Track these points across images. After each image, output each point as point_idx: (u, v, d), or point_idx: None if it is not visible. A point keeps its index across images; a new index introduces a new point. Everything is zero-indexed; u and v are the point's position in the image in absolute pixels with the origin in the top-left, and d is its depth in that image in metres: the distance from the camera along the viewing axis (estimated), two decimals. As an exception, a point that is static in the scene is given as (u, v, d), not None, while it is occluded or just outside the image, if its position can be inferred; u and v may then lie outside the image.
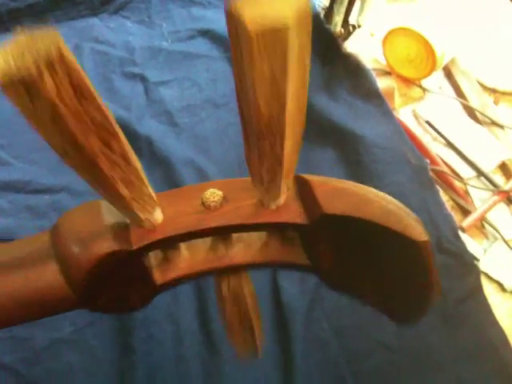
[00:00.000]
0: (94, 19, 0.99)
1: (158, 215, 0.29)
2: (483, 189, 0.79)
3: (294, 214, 0.29)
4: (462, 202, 0.77)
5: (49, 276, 0.29)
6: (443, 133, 0.85)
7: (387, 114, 0.82)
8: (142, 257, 0.30)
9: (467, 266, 0.67)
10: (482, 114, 0.87)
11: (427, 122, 0.87)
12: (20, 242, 0.32)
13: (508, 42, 1.00)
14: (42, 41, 0.16)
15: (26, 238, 0.32)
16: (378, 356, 0.60)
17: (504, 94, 0.93)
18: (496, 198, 0.77)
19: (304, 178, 0.30)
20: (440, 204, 0.73)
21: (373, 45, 0.96)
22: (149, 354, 0.60)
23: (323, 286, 0.34)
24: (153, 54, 0.93)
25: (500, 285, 0.69)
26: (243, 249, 0.34)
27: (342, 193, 0.28)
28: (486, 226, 0.75)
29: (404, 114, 0.89)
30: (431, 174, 0.77)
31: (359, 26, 0.92)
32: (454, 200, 0.78)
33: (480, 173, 0.81)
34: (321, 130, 0.80)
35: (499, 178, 0.81)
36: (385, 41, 0.92)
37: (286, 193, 0.28)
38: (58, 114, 0.18)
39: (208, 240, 0.34)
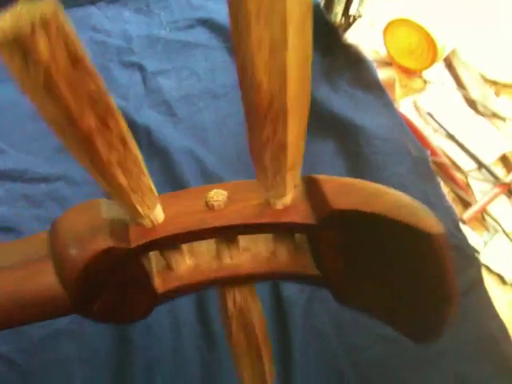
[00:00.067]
0: (92, 8, 0.98)
1: (159, 214, 0.28)
2: (484, 181, 0.78)
3: (302, 214, 0.28)
4: (462, 194, 0.76)
5: (43, 276, 0.28)
6: (444, 124, 0.84)
7: (388, 105, 0.81)
8: (141, 257, 0.29)
9: (468, 258, 0.66)
10: (483, 105, 0.87)
11: (428, 114, 0.86)
12: (18, 241, 0.31)
13: (509, 34, 0.99)
14: (40, 5, 0.16)
15: (24, 237, 0.31)
16: (378, 348, 0.59)
17: (505, 86, 0.92)
18: (497, 190, 0.77)
19: (311, 177, 0.28)
20: (441, 196, 0.72)
21: (373, 35, 0.95)
22: (147, 345, 0.59)
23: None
24: (151, 43, 0.92)
25: (500, 277, 0.69)
26: (249, 258, 0.32)
27: (350, 188, 0.27)
28: (487, 218, 0.75)
29: (405, 105, 0.88)
30: (432, 165, 0.76)
31: (360, 17, 0.91)
32: (454, 192, 0.77)
33: (481, 165, 0.80)
34: (321, 122, 0.79)
35: (500, 171, 0.80)
36: (385, 31, 0.91)
37: (292, 191, 0.27)
38: (52, 79, 0.17)
39: (212, 248, 0.33)
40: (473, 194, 0.77)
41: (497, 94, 0.91)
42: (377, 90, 0.82)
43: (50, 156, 0.75)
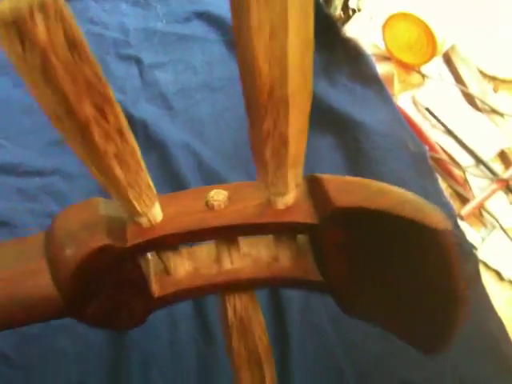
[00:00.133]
0: (90, 1, 0.97)
1: (157, 213, 0.27)
2: (482, 177, 0.78)
3: (304, 214, 0.27)
4: (460, 190, 0.76)
5: (37, 277, 0.27)
6: (442, 120, 0.84)
7: (387, 100, 0.80)
8: (138, 258, 0.29)
9: (466, 254, 0.66)
10: (481, 101, 0.86)
11: (426, 109, 0.85)
12: (14, 241, 0.31)
13: (508, 30, 0.98)
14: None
15: (21, 237, 0.30)
16: (376, 345, 0.59)
17: (504, 81, 0.92)
18: (495, 186, 0.76)
19: (313, 176, 0.28)
20: (439, 192, 0.72)
21: (372, 30, 0.94)
22: (143, 338, 0.59)
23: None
24: (148, 36, 0.91)
25: (498, 274, 0.68)
26: (250, 263, 0.32)
27: (353, 185, 0.27)
28: (485, 214, 0.74)
29: (403, 100, 0.87)
30: (430, 161, 0.75)
31: (359, 10, 0.90)
32: (452, 188, 0.77)
33: (479, 161, 0.80)
34: (319, 117, 0.78)
35: (498, 167, 0.80)
36: (385, 26, 0.90)
37: (294, 189, 0.27)
38: (49, 64, 0.17)
39: (213, 253, 0.32)
40: (471, 190, 0.77)
41: (495, 89, 0.91)
42: (376, 85, 0.82)
43: (44, 150, 0.74)
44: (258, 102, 0.21)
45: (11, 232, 0.66)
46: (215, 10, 0.94)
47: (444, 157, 0.80)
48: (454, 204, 0.74)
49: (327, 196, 0.26)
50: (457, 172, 0.78)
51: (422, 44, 0.87)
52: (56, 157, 0.73)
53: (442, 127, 0.84)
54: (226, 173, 0.73)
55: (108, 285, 0.28)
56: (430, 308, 0.27)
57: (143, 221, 0.27)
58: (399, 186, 0.27)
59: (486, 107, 0.86)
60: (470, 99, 0.88)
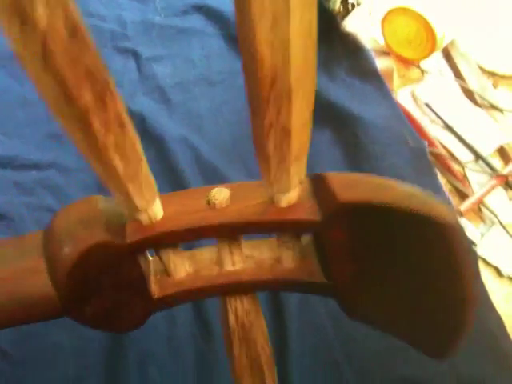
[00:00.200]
0: (87, -7, 0.96)
1: (158, 210, 0.27)
2: (481, 172, 0.78)
3: (308, 211, 0.26)
4: (459, 186, 0.76)
5: (34, 276, 0.27)
6: (442, 115, 0.83)
7: (386, 95, 0.80)
8: (137, 257, 0.28)
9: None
10: (481, 96, 0.86)
11: (426, 104, 0.85)
12: (13, 239, 0.30)
13: (508, 26, 0.98)
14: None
15: (21, 235, 0.30)
16: (374, 340, 0.59)
17: (503, 77, 0.92)
18: (494, 182, 0.76)
19: (317, 174, 0.27)
20: (438, 187, 0.72)
21: (372, 24, 0.93)
22: (141, 333, 0.58)
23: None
24: (145, 29, 0.91)
25: (497, 270, 0.68)
26: (252, 265, 0.31)
27: (358, 181, 0.26)
28: (484, 210, 0.74)
29: (402, 95, 0.87)
30: (429, 156, 0.75)
31: (358, 5, 0.90)
32: (451, 183, 0.76)
33: (478, 156, 0.79)
34: (318, 111, 0.76)
35: (497, 162, 0.80)
36: (384, 20, 0.90)
37: (297, 187, 0.26)
38: (49, 49, 0.17)
39: (214, 255, 0.31)
40: (470, 185, 0.77)
41: (495, 85, 0.90)
42: (375, 80, 0.81)
43: (41, 143, 0.74)
44: (261, 92, 0.21)
45: (8, 225, 0.65)
46: (214, 3, 0.93)
47: (443, 152, 0.79)
48: (453, 200, 0.73)
49: (331, 192, 0.25)
50: (456, 168, 0.78)
51: (422, 39, 0.87)
52: (53, 150, 0.72)
53: (442, 122, 0.83)
54: (224, 167, 0.73)
55: (106, 284, 0.28)
56: (437, 309, 0.26)
57: (143, 217, 0.26)
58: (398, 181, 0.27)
59: (486, 103, 0.85)
60: (469, 95, 0.88)
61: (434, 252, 0.25)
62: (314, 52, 0.20)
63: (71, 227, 0.26)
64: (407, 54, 0.90)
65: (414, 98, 0.87)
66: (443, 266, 0.25)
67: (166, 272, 0.31)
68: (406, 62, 0.91)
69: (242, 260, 0.31)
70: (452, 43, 0.92)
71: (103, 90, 0.19)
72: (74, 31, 0.17)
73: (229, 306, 0.32)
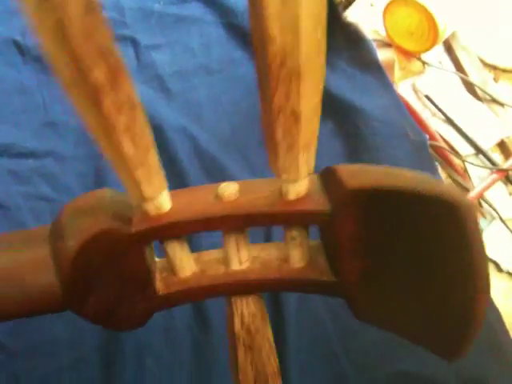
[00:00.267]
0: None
1: (165, 201, 0.26)
2: (481, 167, 0.77)
3: (317, 203, 0.26)
4: (459, 180, 0.75)
5: (39, 267, 0.26)
6: (442, 108, 0.83)
7: (387, 86, 0.79)
8: (143, 248, 0.28)
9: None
10: (482, 90, 0.85)
11: (426, 97, 0.84)
12: (22, 231, 0.30)
13: (509, 19, 0.97)
14: None
15: (30, 228, 0.30)
16: (372, 333, 0.59)
17: (504, 71, 0.91)
18: (494, 176, 0.76)
19: (327, 167, 0.27)
20: (438, 181, 0.71)
21: (373, 15, 0.92)
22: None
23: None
24: (144, 17, 0.89)
25: (496, 265, 0.68)
26: (259, 265, 0.31)
27: (367, 169, 0.26)
28: (484, 204, 0.74)
29: (403, 87, 0.86)
30: (430, 149, 0.75)
31: (360, -5, 0.89)
32: (451, 177, 0.76)
33: (479, 150, 0.79)
34: (318, 102, 0.77)
35: (498, 157, 0.79)
36: (385, 11, 0.89)
37: (306, 179, 0.26)
38: (65, 24, 0.17)
39: (221, 255, 0.31)
40: (470, 179, 0.76)
41: (496, 79, 0.90)
42: (376, 71, 0.80)
43: (37, 131, 0.72)
44: (270, 72, 0.21)
45: (4, 215, 0.64)
46: (214, -9, 0.92)
47: (444, 145, 0.79)
48: (453, 193, 0.73)
49: (340, 181, 0.25)
50: (456, 161, 0.78)
51: (424, 30, 0.86)
52: (49, 139, 0.71)
53: (442, 116, 0.83)
54: (222, 157, 0.72)
55: (110, 277, 0.27)
56: (448, 302, 0.25)
57: (150, 207, 0.26)
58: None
59: (487, 96, 0.85)
60: (470, 88, 0.87)
61: (446, 236, 0.24)
62: (323, 35, 0.21)
63: (78, 217, 0.26)
64: (408, 45, 0.89)
65: (415, 91, 0.86)
66: (456, 251, 0.24)
67: (171, 271, 0.30)
68: (407, 54, 0.90)
69: (249, 260, 0.31)
70: (453, 35, 0.92)
71: (115, 69, 0.19)
72: (89, 7, 0.17)
73: (234, 309, 0.31)
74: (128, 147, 0.22)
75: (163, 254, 0.30)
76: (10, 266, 0.27)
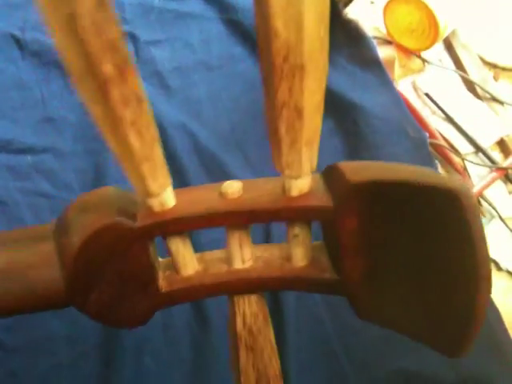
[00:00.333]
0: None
1: (170, 197, 0.27)
2: (481, 165, 0.77)
3: (319, 199, 0.27)
4: (459, 178, 0.75)
5: (43, 263, 0.27)
6: (442, 106, 0.83)
7: (387, 84, 0.79)
8: (146, 244, 0.28)
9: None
10: (482, 88, 0.85)
11: (426, 95, 0.84)
12: (28, 228, 0.30)
13: (509, 18, 0.97)
14: None
15: (35, 225, 0.30)
16: (372, 332, 0.59)
17: (504, 69, 0.91)
18: (494, 174, 0.76)
19: (329, 165, 0.28)
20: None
21: (373, 12, 0.92)
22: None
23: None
24: (144, 12, 0.89)
25: (496, 264, 0.68)
26: (262, 264, 0.31)
27: (369, 165, 0.27)
28: (483, 203, 0.74)
29: (403, 85, 0.86)
30: (429, 147, 0.74)
31: (361, -8, 0.88)
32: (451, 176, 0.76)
33: (478, 148, 0.79)
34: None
35: (497, 155, 0.79)
36: (386, 9, 0.89)
37: (309, 175, 0.26)
38: (77, 16, 0.17)
39: (224, 254, 0.31)
40: (469, 178, 0.76)
41: (496, 77, 0.90)
42: (376, 68, 0.80)
43: (36, 127, 0.72)
44: (274, 68, 0.21)
45: (3, 211, 0.64)
46: (213, -13, 0.92)
47: (443, 144, 0.79)
48: (453, 192, 0.73)
49: (342, 177, 0.26)
50: (456, 160, 0.78)
51: (424, 28, 0.85)
52: (48, 134, 0.71)
53: (442, 114, 0.82)
54: (222, 154, 0.72)
55: (113, 272, 0.27)
56: (451, 297, 0.25)
57: (155, 203, 0.26)
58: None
59: (486, 95, 0.85)
60: (470, 86, 0.87)
61: (448, 228, 0.24)
62: (326, 33, 0.21)
63: (82, 213, 0.26)
64: (409, 43, 0.89)
65: (415, 89, 0.86)
66: (457, 242, 0.24)
67: (174, 269, 0.31)
68: (407, 52, 0.90)
69: (252, 258, 0.31)
70: (453, 34, 0.92)
71: (123, 62, 0.20)
72: (101, 2, 0.17)
73: (237, 308, 0.31)
74: (134, 140, 0.22)
75: (166, 254, 0.31)
76: (14, 262, 0.27)
